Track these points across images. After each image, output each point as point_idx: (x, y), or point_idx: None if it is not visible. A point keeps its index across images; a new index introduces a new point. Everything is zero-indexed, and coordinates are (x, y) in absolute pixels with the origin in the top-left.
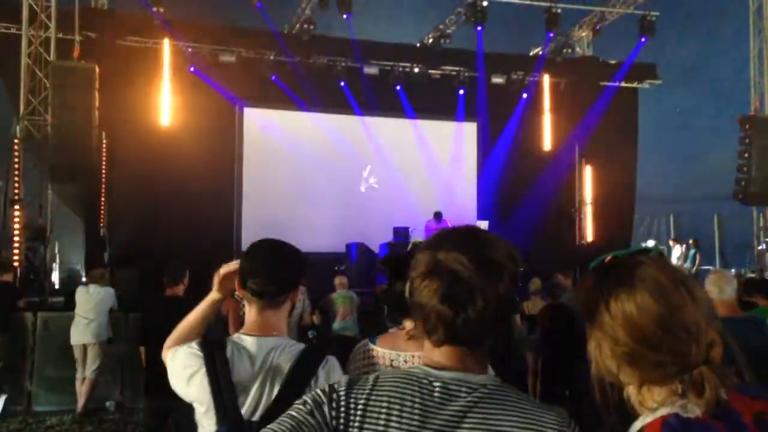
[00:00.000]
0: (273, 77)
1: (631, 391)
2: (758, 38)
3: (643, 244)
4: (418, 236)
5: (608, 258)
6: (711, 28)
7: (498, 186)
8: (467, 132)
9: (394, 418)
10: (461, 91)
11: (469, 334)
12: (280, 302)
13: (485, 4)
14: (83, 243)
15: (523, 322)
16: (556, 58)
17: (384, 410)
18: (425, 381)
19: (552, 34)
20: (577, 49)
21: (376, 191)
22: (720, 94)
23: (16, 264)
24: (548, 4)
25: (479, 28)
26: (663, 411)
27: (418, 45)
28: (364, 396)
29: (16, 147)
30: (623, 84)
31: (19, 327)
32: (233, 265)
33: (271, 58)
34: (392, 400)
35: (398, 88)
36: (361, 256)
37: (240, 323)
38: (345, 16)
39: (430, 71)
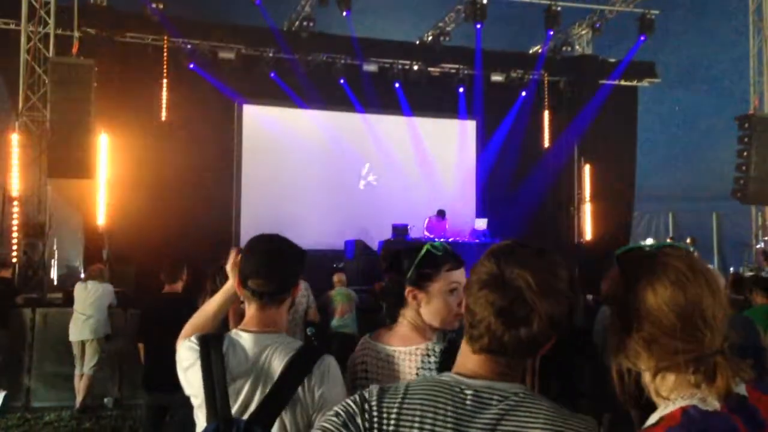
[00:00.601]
0: (272, 74)
1: (647, 378)
2: (758, 37)
3: (642, 243)
4: (416, 233)
5: (633, 248)
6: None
7: (497, 184)
8: (466, 130)
9: (427, 427)
10: (461, 89)
11: (514, 349)
12: (281, 300)
13: (485, 1)
14: (82, 239)
15: None
16: (555, 56)
17: (417, 419)
18: (457, 389)
19: (552, 32)
20: (577, 47)
21: (375, 188)
22: (719, 93)
23: (14, 260)
24: (548, 2)
25: (479, 26)
26: (682, 402)
27: (417, 42)
28: (396, 405)
29: (14, 143)
30: (623, 82)
31: (18, 323)
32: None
33: (271, 55)
34: (425, 408)
35: (397, 85)
36: (360, 253)
37: (240, 318)
38: (344, 14)
39: (429, 69)
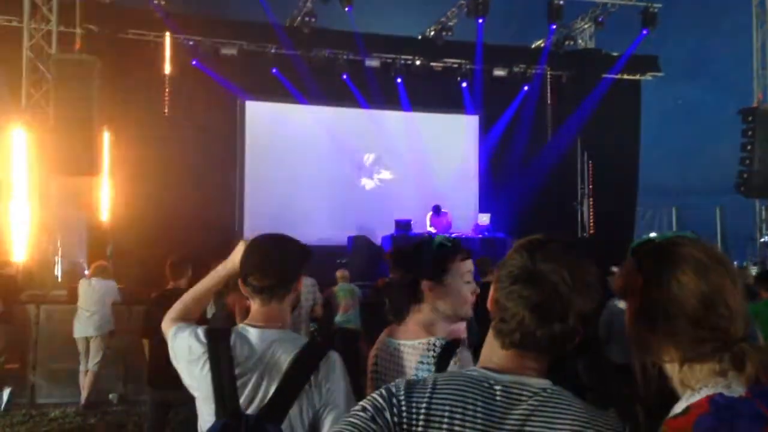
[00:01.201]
0: (274, 70)
1: (671, 369)
2: (761, 30)
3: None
4: (419, 229)
5: (647, 240)
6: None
7: (499, 178)
8: (469, 124)
9: (457, 423)
10: (463, 84)
11: (546, 344)
12: (282, 295)
13: None
14: (85, 236)
15: None
16: (558, 51)
17: (446, 414)
18: (486, 384)
19: (554, 26)
20: (580, 41)
21: (378, 184)
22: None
23: (18, 257)
24: None
25: (480, 21)
26: (707, 390)
27: (420, 38)
28: (425, 400)
29: (18, 140)
30: (625, 76)
31: (22, 320)
32: None
33: (273, 51)
34: (454, 404)
35: (399, 80)
36: (363, 248)
37: (246, 314)
38: (347, 9)
39: (431, 64)
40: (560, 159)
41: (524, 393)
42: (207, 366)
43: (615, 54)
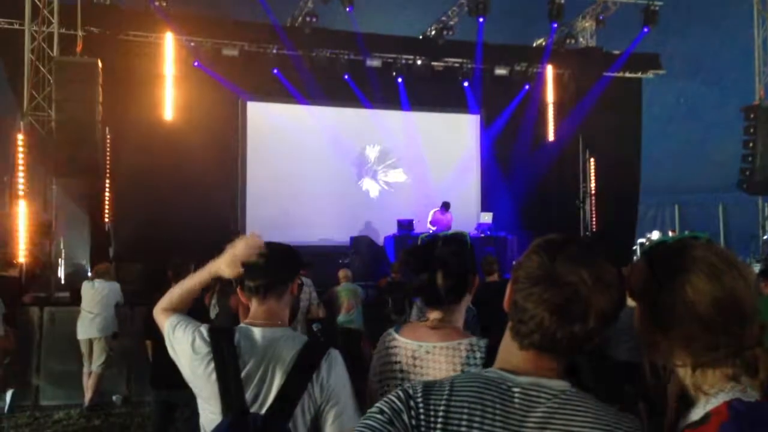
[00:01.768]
0: (275, 71)
1: (684, 374)
2: (762, 27)
3: (648, 235)
4: (421, 228)
5: (660, 241)
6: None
7: (501, 178)
8: (470, 124)
9: (475, 426)
10: (465, 83)
11: (566, 345)
12: (277, 294)
13: None
14: (88, 238)
15: None
16: (559, 49)
17: (465, 417)
18: (504, 386)
19: (555, 25)
20: (581, 39)
21: (380, 184)
22: (724, 83)
23: (21, 259)
24: None
25: (481, 20)
26: (724, 396)
27: (420, 37)
28: (443, 402)
29: (20, 143)
30: (627, 74)
31: (26, 322)
32: (255, 245)
33: (274, 51)
34: (472, 406)
35: (400, 80)
36: (365, 248)
37: (248, 313)
38: (347, 9)
39: (433, 63)
40: (562, 157)
41: (543, 395)
42: (212, 365)
43: (616, 52)
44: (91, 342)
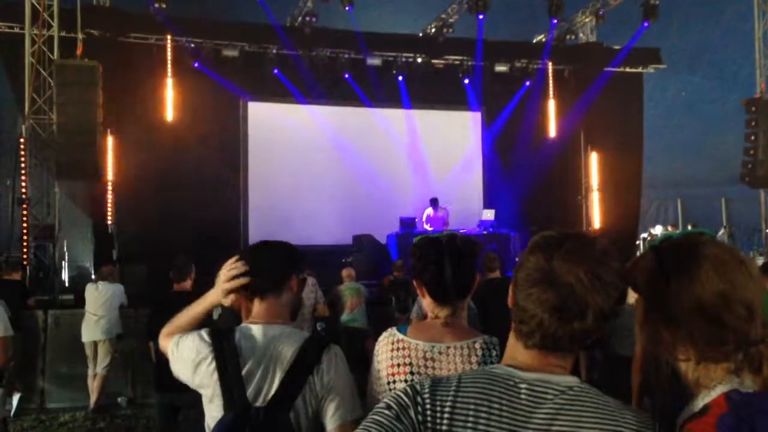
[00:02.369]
0: (275, 70)
1: (686, 368)
2: (763, 20)
3: (651, 230)
4: (422, 226)
5: (668, 236)
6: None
7: (503, 174)
8: (471, 121)
9: (482, 421)
10: (466, 81)
11: (567, 342)
12: (276, 293)
13: None
14: (91, 240)
15: None
16: (559, 45)
17: (471, 413)
18: (510, 382)
19: (555, 21)
20: (581, 35)
21: (382, 182)
22: (725, 77)
23: (25, 263)
24: None
25: (481, 17)
26: (722, 388)
27: (420, 35)
28: (449, 398)
29: (22, 146)
30: (628, 69)
31: (30, 325)
32: (234, 269)
33: (274, 51)
34: (479, 402)
35: (400, 78)
36: (368, 247)
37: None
38: (347, 8)
39: (433, 61)
40: (564, 153)
41: (549, 391)
42: (213, 364)
43: (617, 47)
44: (95, 344)
